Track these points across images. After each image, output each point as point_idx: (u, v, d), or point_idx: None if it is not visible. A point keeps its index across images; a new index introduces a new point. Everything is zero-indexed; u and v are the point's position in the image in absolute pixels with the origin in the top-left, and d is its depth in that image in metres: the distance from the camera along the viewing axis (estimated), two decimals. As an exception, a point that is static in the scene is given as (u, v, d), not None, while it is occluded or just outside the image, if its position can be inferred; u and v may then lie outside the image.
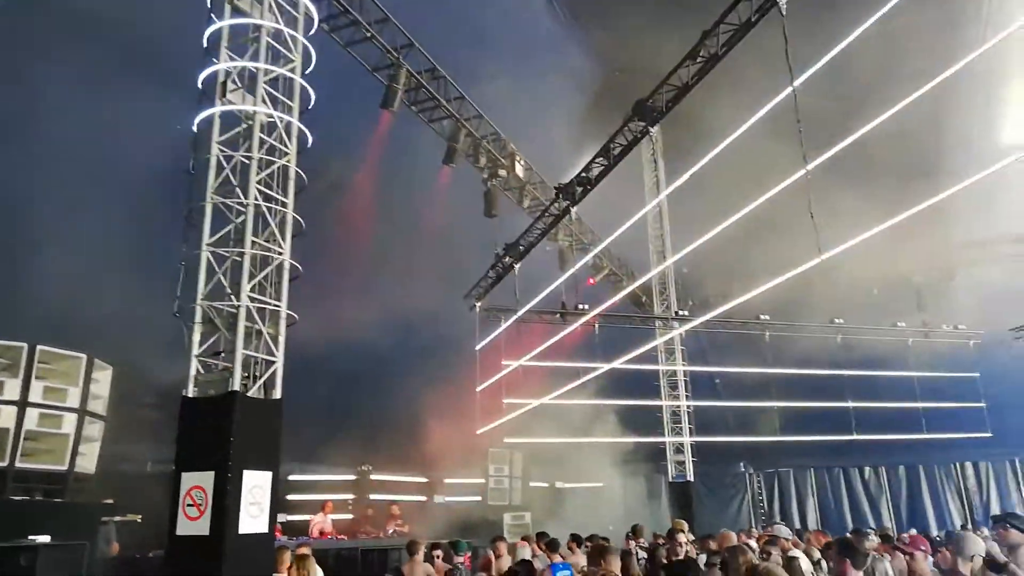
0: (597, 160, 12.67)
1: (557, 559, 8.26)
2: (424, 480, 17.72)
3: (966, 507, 19.42)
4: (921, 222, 8.64)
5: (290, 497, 14.33)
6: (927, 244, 14.84)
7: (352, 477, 16.83)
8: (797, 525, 16.99)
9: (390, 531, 14.56)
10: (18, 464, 8.75)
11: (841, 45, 8.78)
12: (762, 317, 18.11)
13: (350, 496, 16.65)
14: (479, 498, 17.28)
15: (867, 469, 20.13)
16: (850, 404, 17.97)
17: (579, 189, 13.16)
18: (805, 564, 6.91)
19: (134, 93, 12.84)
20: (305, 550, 8.02)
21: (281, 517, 12.06)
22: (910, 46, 12.73)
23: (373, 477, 17.03)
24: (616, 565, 6.18)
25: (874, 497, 19.92)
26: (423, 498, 17.45)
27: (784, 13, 8.76)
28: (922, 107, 8.75)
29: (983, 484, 19.57)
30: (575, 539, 9.88)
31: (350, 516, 16.12)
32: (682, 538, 7.78)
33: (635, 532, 10.80)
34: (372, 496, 16.78)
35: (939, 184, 8.50)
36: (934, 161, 14.31)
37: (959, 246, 16.61)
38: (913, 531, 14.06)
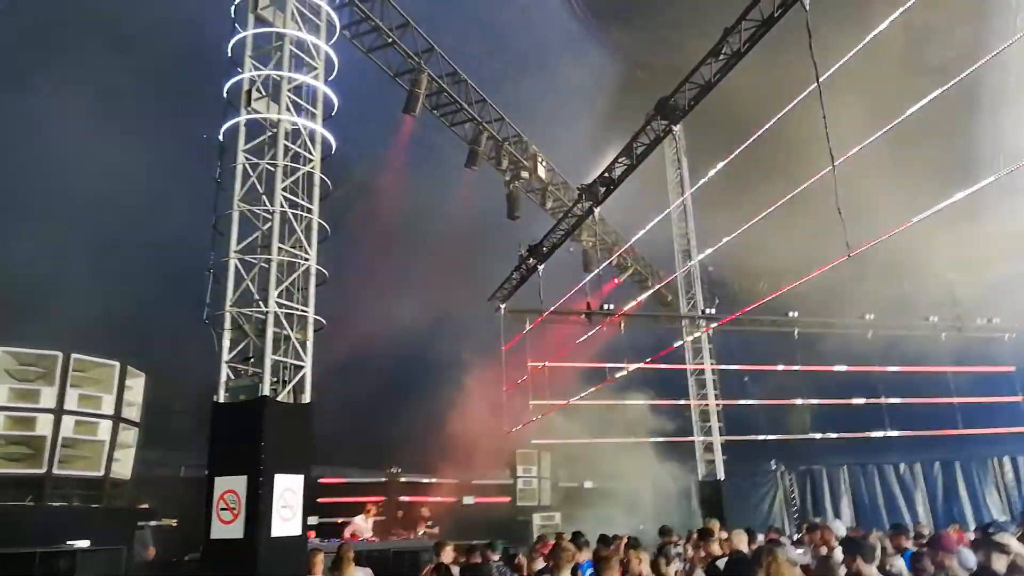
0: (620, 160, 12.62)
1: (584, 558, 8.23)
2: (453, 482, 17.76)
3: (1005, 502, 19.04)
4: (953, 216, 8.49)
5: (320, 500, 14.45)
6: (959, 238, 14.58)
7: (382, 479, 16.92)
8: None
9: (420, 533, 14.62)
10: (55, 471, 8.94)
11: (866, 40, 8.65)
12: (791, 314, 17.91)
13: (380, 498, 16.75)
14: (508, 499, 17.29)
15: (902, 465, 19.82)
16: (883, 400, 17.71)
17: (602, 189, 13.11)
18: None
19: (160, 102, 13.05)
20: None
21: (312, 520, 12.16)
22: (938, 38, 12.54)
23: (403, 479, 17.11)
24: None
25: (910, 494, 19.61)
26: (452, 499, 17.49)
27: (807, 8, 8.65)
28: (952, 99, 8.59)
29: (1022, 479, 19.17)
30: (603, 540, 9.85)
31: (381, 518, 16.21)
32: (715, 546, 7.71)
33: (664, 532, 10.78)
34: (402, 498, 16.86)
35: (971, 177, 8.35)
36: (966, 154, 14.05)
37: (992, 239, 16.27)
38: (956, 526, 13.80)
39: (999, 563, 5.73)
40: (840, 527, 9.24)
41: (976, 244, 15.67)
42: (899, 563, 7.47)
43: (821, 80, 8.63)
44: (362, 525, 13.51)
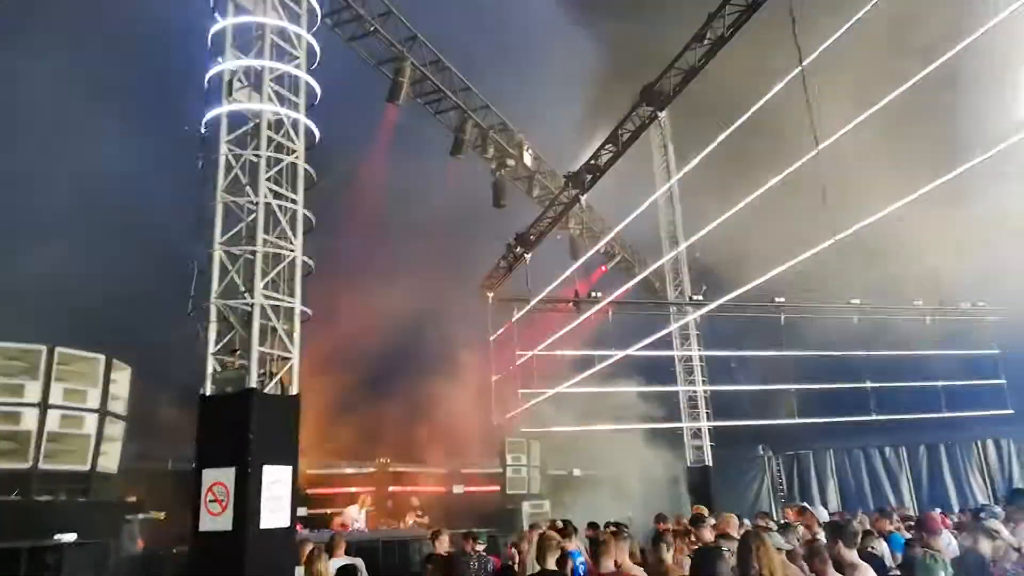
0: (606, 147, 12.63)
1: (573, 546, 8.28)
2: (442, 471, 17.79)
3: (988, 485, 19.27)
4: (939, 199, 8.55)
5: (310, 491, 14.43)
6: (944, 221, 14.68)
7: (371, 469, 16.92)
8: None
9: (410, 522, 14.63)
10: (41, 465, 8.85)
11: (850, 23, 8.67)
12: (777, 300, 18.01)
13: (370, 488, 16.75)
14: (498, 487, 17.33)
15: (887, 449, 19.98)
16: (868, 384, 17.87)
17: (588, 177, 13.14)
18: None
19: (142, 92, 12.92)
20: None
21: (301, 511, 12.13)
22: (922, 20, 12.56)
23: (392, 469, 17.11)
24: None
25: (895, 477, 19.79)
26: (442, 489, 17.52)
27: (791, -8, 8.65)
28: (936, 82, 8.63)
29: (1005, 461, 19.40)
30: (592, 527, 9.91)
31: (370, 508, 16.20)
32: (706, 532, 7.77)
33: (660, 519, 10.87)
34: (391, 488, 16.86)
35: (957, 161, 8.40)
36: (950, 138, 14.12)
37: (976, 222, 16.40)
38: (938, 510, 14.00)
39: (985, 547, 5.85)
40: (823, 512, 9.37)
41: (961, 227, 15.79)
42: (883, 546, 7.56)
43: (805, 65, 8.66)
44: (355, 515, 13.51)
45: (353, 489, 14.97)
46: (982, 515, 8.74)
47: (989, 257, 17.69)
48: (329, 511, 14.08)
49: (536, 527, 9.66)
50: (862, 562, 5.20)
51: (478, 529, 12.09)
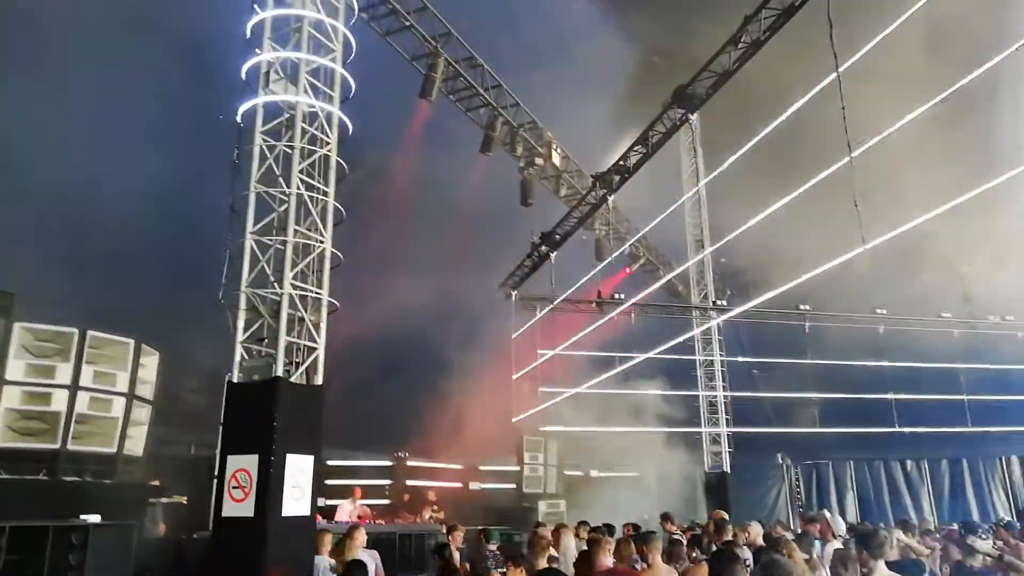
0: (635, 148, 12.58)
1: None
2: (459, 467, 17.84)
3: (1011, 502, 18.98)
4: (971, 211, 8.42)
5: (329, 482, 14.52)
6: (976, 233, 14.47)
7: (389, 463, 17.00)
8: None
9: (426, 517, 14.68)
10: (69, 446, 9.00)
11: (887, 31, 8.56)
12: (802, 307, 17.84)
13: (387, 481, 16.84)
14: (514, 486, 17.35)
15: (909, 462, 19.74)
16: (891, 396, 17.66)
17: (616, 178, 13.09)
18: None
19: (179, 83, 13.07)
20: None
21: (320, 501, 12.20)
22: (958, 30, 12.38)
23: (410, 463, 17.19)
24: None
25: (916, 491, 19.54)
26: (459, 485, 17.56)
27: (829, -4, 8.56)
28: (971, 92, 8.50)
29: (1031, 479, 19.09)
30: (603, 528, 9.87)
31: (387, 501, 16.29)
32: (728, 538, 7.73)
33: (666, 518, 10.86)
34: (408, 482, 16.94)
35: (991, 172, 8.27)
36: (988, 147, 13.90)
37: (1009, 235, 16.11)
38: (955, 525, 13.80)
39: (974, 560, 5.99)
40: (840, 523, 9.30)
41: (994, 240, 15.54)
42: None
43: (841, 71, 8.56)
44: (349, 509, 13.55)
45: (368, 482, 15.03)
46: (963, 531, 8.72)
47: (1020, 271, 17.40)
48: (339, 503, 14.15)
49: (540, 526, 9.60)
50: (889, 571, 5.17)
51: (493, 527, 12.10)
